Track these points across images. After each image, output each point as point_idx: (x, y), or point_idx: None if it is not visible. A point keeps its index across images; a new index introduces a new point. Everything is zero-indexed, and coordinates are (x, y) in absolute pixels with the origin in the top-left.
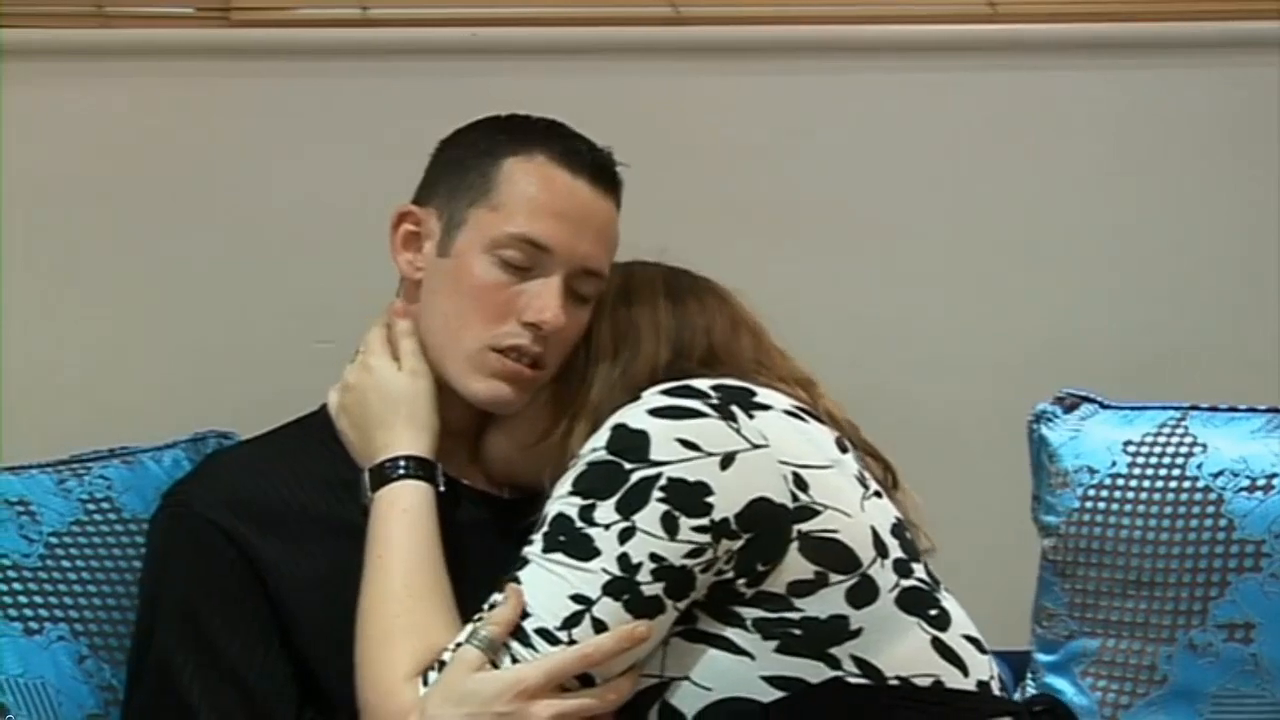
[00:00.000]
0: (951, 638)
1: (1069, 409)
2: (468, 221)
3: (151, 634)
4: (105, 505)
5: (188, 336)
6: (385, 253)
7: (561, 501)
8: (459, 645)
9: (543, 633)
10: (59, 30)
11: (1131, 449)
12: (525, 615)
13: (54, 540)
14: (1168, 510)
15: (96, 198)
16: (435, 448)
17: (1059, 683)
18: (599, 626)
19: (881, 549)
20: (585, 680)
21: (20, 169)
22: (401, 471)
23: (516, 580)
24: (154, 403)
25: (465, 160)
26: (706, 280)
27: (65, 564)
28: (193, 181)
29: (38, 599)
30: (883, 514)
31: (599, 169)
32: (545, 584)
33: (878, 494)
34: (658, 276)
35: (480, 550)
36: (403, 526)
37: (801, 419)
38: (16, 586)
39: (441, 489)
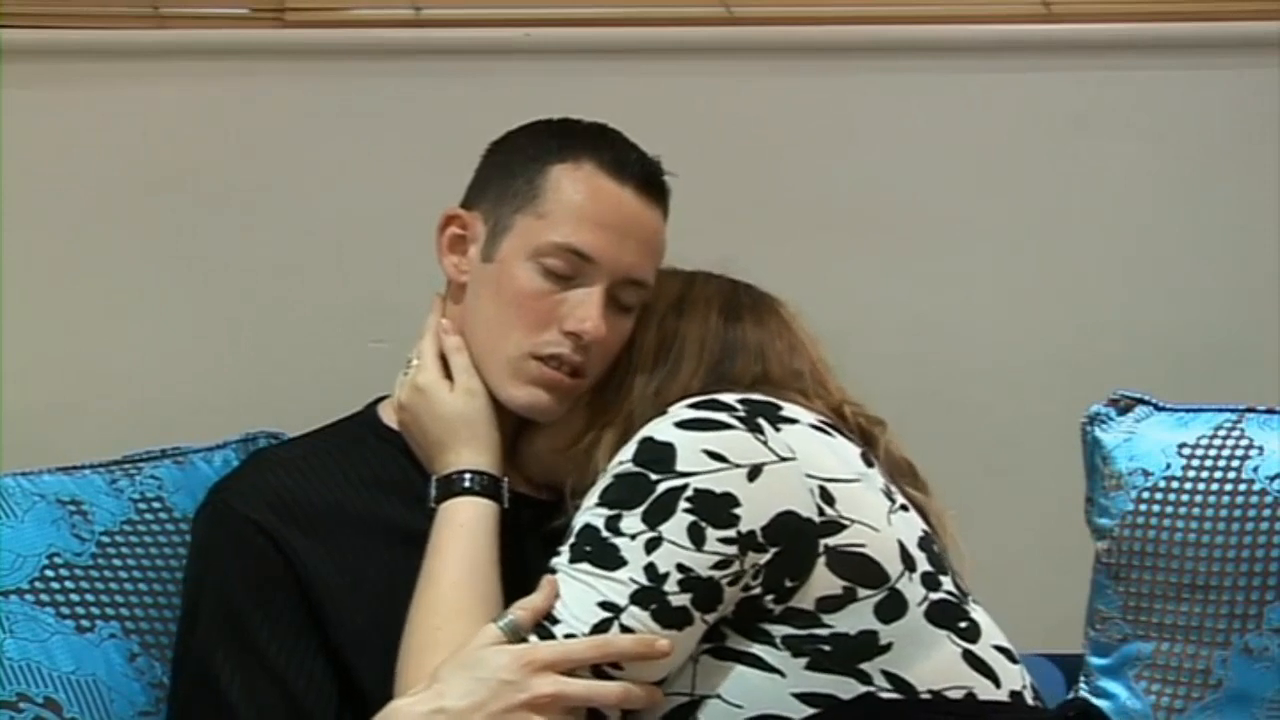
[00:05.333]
0: (982, 649)
1: (1123, 411)
2: (513, 228)
3: (193, 631)
4: (156, 505)
5: (241, 336)
6: None
7: (588, 513)
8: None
9: (570, 638)
10: (114, 30)
11: (1186, 451)
12: (554, 621)
13: (106, 539)
14: (1223, 513)
15: (151, 197)
16: (499, 463)
17: (1112, 686)
18: (627, 634)
19: (909, 562)
20: (603, 679)
21: (81, 168)
22: (466, 485)
23: (552, 571)
24: (205, 403)
25: (513, 165)
26: (772, 299)
27: (117, 563)
28: (247, 180)
29: (89, 597)
30: (909, 527)
31: (646, 178)
32: (573, 593)
33: (904, 507)
34: (717, 292)
35: (517, 552)
36: (458, 542)
37: (828, 433)
38: (69, 585)
39: (506, 505)
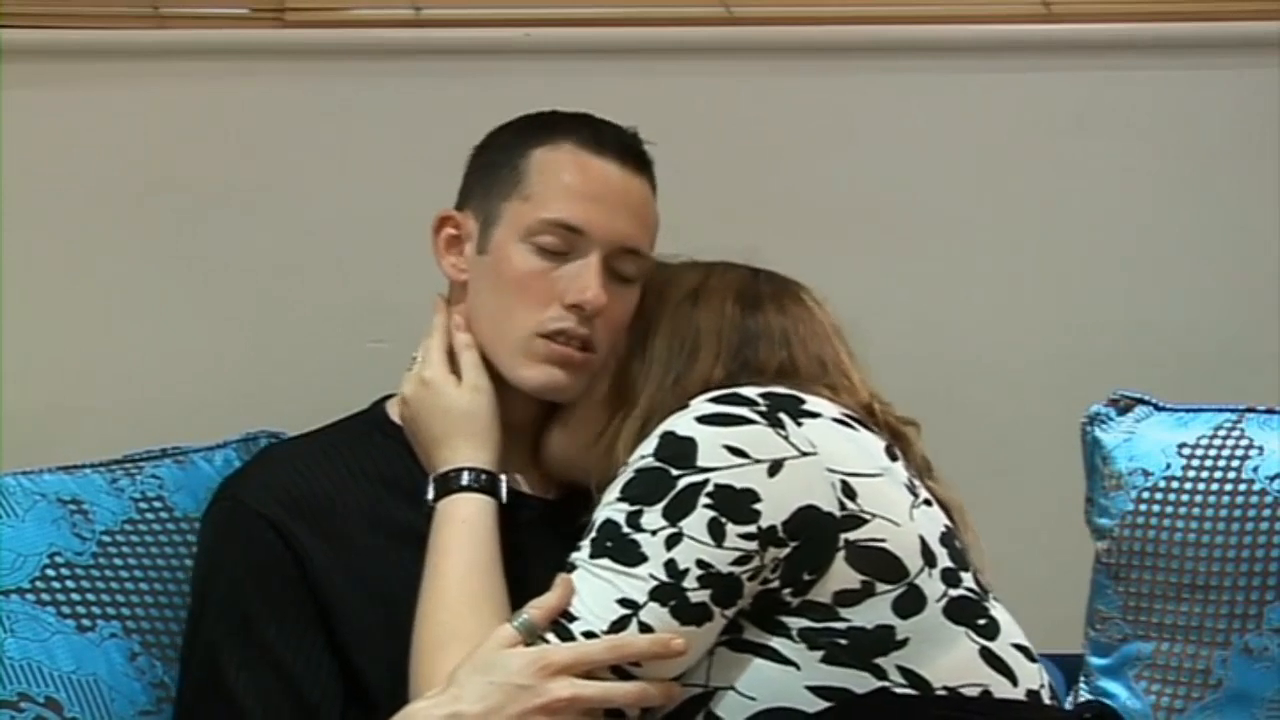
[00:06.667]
0: (1000, 647)
1: (1123, 411)
2: (503, 216)
3: (200, 626)
4: (157, 504)
5: (241, 336)
6: None
7: (609, 508)
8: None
9: (588, 635)
10: (114, 30)
11: (1186, 451)
12: (572, 619)
13: (106, 539)
14: (1223, 513)
15: (151, 197)
16: (498, 461)
17: (1112, 686)
18: (645, 631)
19: (929, 558)
20: (620, 677)
21: (81, 168)
22: (464, 482)
23: (571, 567)
24: (205, 403)
25: (496, 158)
26: (796, 285)
27: (117, 562)
28: (247, 180)
29: (90, 596)
30: (931, 522)
31: (626, 148)
32: (592, 589)
33: (927, 502)
34: (734, 282)
35: (529, 552)
36: (460, 537)
37: (851, 426)
38: (70, 584)
39: (504, 501)
